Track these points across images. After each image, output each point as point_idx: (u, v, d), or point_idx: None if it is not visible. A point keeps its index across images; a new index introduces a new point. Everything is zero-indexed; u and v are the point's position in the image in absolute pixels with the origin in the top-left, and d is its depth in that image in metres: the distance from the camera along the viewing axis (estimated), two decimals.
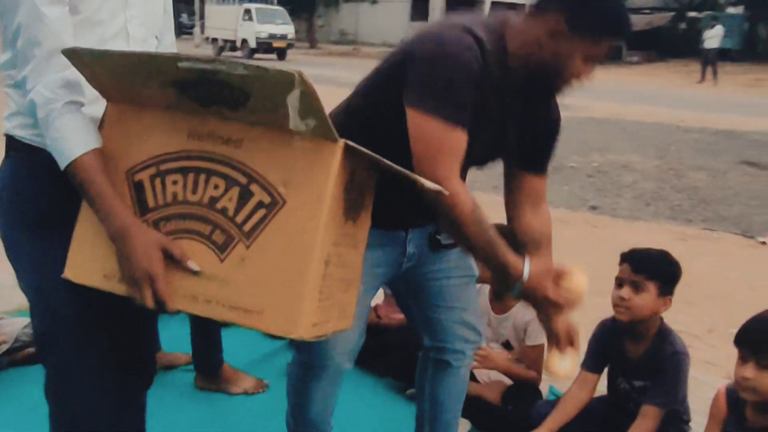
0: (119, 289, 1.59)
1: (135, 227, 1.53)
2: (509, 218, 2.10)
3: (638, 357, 2.48)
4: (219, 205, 1.53)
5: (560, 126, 2.03)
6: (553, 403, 2.68)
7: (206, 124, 1.55)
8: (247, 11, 29.44)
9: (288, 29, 29.40)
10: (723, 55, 24.06)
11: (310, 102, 1.38)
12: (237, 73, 1.40)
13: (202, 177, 1.55)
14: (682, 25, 32.71)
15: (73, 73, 1.55)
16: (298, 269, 1.48)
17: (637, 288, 2.41)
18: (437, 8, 39.11)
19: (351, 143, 1.47)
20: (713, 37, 22.59)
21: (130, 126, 1.60)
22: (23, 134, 1.67)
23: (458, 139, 1.74)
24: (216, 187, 1.53)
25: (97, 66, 1.53)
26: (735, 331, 2.13)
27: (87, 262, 1.63)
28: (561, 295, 1.85)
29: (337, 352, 2.07)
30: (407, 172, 1.58)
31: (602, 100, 14.51)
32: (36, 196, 1.70)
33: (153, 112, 1.59)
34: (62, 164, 1.55)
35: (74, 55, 1.51)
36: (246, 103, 1.47)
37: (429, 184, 1.63)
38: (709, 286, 4.48)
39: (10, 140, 1.69)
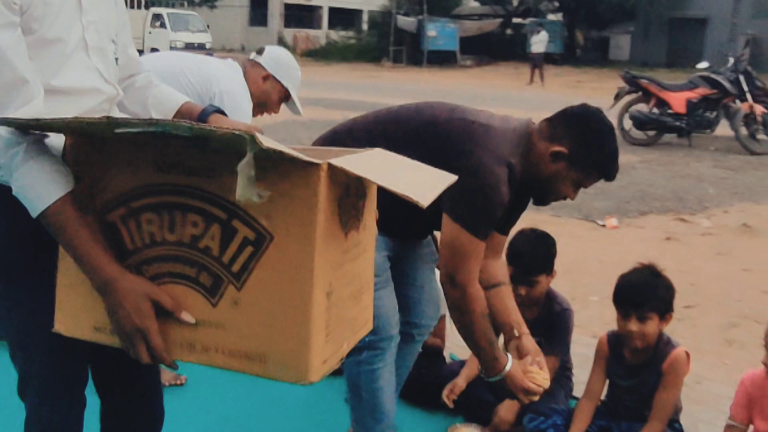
0: (112, 341, 1.49)
1: (120, 279, 1.41)
2: None
3: (533, 318, 2.89)
4: (201, 245, 1.40)
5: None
6: (460, 365, 3.08)
7: (170, 152, 1.40)
8: (157, 17, 26.47)
9: (206, 37, 26.62)
10: (547, 58, 25.82)
11: (267, 155, 1.23)
12: (182, 134, 1.29)
13: (177, 214, 1.41)
14: (509, 31, 34.72)
15: (35, 107, 1.43)
16: (298, 309, 1.35)
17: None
18: (275, 14, 39.22)
19: (334, 163, 1.31)
20: (539, 42, 24.14)
21: (92, 162, 1.46)
22: None
23: (482, 250, 2.17)
24: (195, 224, 1.40)
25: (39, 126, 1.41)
26: (596, 298, 2.57)
27: (75, 315, 1.52)
28: (531, 385, 2.26)
29: (392, 326, 2.37)
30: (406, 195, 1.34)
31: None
32: (6, 242, 1.58)
33: (114, 144, 1.43)
34: (33, 213, 1.43)
35: (12, 122, 1.38)
36: (205, 144, 1.35)
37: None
38: (565, 263, 5.07)
39: None
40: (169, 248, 1.42)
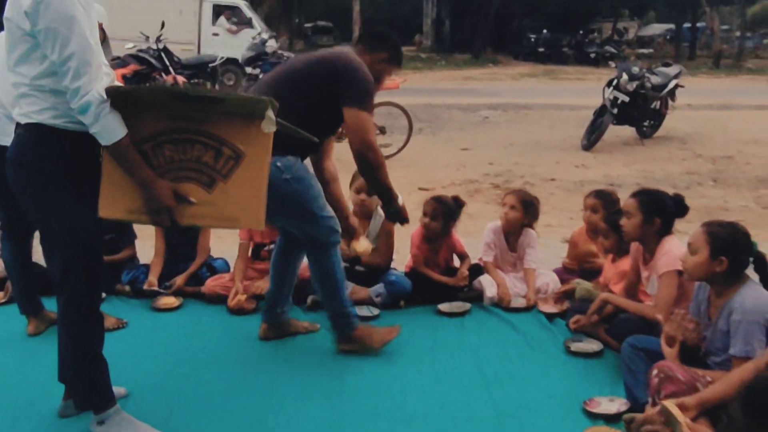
0: (140, 219, 2.65)
1: (156, 180, 2.55)
2: (316, 167, 3.65)
3: None
4: (203, 160, 2.61)
5: None
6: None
7: (181, 109, 2.56)
8: None
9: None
10: None
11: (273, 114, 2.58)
12: (202, 96, 2.61)
13: (187, 144, 2.59)
14: None
15: (105, 81, 2.42)
16: (258, 190, 2.64)
17: None
18: None
19: (279, 122, 2.61)
20: None
21: (129, 115, 2.48)
22: (55, 122, 2.49)
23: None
24: (198, 149, 2.60)
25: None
26: None
27: (113, 205, 2.59)
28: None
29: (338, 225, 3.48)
30: (305, 133, 2.99)
31: None
32: (60, 162, 2.52)
33: (141, 112, 2.53)
34: (108, 142, 2.44)
35: (118, 89, 2.47)
36: (219, 103, 2.57)
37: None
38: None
39: (39, 126, 2.49)
40: (182, 163, 2.61)
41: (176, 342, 3.75)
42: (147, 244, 4.67)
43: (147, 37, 11.99)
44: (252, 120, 2.58)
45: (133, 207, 2.59)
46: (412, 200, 6.10)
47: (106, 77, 2.41)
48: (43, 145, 2.51)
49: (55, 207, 2.55)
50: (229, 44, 18.01)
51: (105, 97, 2.37)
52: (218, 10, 19.30)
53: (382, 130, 8.83)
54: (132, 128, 2.47)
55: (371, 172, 3.32)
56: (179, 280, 4.33)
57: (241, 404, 3.10)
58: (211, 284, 4.30)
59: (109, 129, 2.41)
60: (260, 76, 11.32)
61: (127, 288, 4.36)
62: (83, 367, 2.72)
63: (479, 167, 8.99)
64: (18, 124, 2.57)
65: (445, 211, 4.37)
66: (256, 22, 19.39)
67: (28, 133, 2.52)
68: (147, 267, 4.44)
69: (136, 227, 4.56)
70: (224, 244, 4.86)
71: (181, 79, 11.83)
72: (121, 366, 3.13)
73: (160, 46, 11.93)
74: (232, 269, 4.44)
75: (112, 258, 4.40)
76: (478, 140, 11.08)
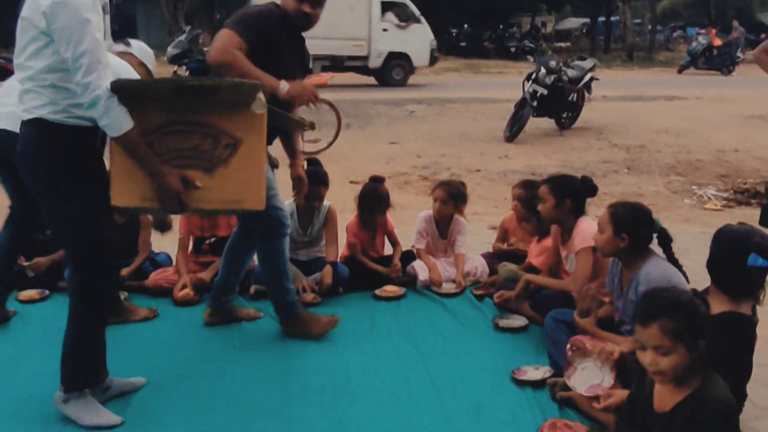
0: (151, 205, 2.87)
1: (164, 168, 2.81)
2: None
3: None
4: (203, 148, 2.89)
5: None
6: None
7: (181, 102, 2.84)
8: None
9: None
10: None
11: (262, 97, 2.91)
12: (200, 87, 2.86)
13: (188, 134, 2.86)
14: None
15: (110, 77, 2.65)
16: (258, 175, 2.96)
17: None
18: None
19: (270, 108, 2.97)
20: None
21: (134, 108, 2.69)
22: (55, 117, 2.69)
23: (235, 40, 3.34)
24: (198, 138, 2.87)
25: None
26: None
27: (126, 194, 2.84)
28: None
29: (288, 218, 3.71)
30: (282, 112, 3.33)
31: None
32: (65, 155, 2.73)
33: (144, 106, 2.77)
34: (116, 134, 2.67)
35: (125, 83, 2.72)
36: (215, 95, 2.83)
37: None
38: None
39: (40, 121, 2.69)
40: (183, 152, 2.87)
41: (127, 333, 3.86)
42: None
43: None
44: (245, 107, 2.86)
45: (145, 194, 2.83)
46: (344, 193, 6.34)
47: (109, 74, 2.65)
48: (44, 139, 2.72)
49: (60, 198, 2.77)
50: (397, 39, 19.14)
51: (110, 92, 2.60)
52: (386, 7, 19.50)
53: (312, 126, 8.95)
54: (137, 120, 2.69)
55: (229, 68, 3.31)
56: (124, 271, 4.46)
57: (191, 389, 3.26)
58: (156, 277, 4.43)
59: (117, 121, 2.64)
60: (186, 74, 11.36)
61: None
62: (80, 343, 2.93)
63: (408, 160, 9.27)
64: (22, 121, 2.77)
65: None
66: (421, 17, 19.82)
67: (31, 127, 2.73)
68: None
69: None
70: (164, 239, 4.98)
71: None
72: None
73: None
74: (174, 263, 4.57)
75: (48, 258, 4.48)
76: (405, 134, 11.36)
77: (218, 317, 3.97)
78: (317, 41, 13.76)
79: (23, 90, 2.74)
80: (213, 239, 4.59)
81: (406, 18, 19.66)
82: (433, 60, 20.27)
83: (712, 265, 2.78)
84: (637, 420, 2.42)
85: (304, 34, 3.70)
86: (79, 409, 2.93)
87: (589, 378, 2.94)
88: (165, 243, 4.85)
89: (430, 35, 19.86)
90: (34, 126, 2.72)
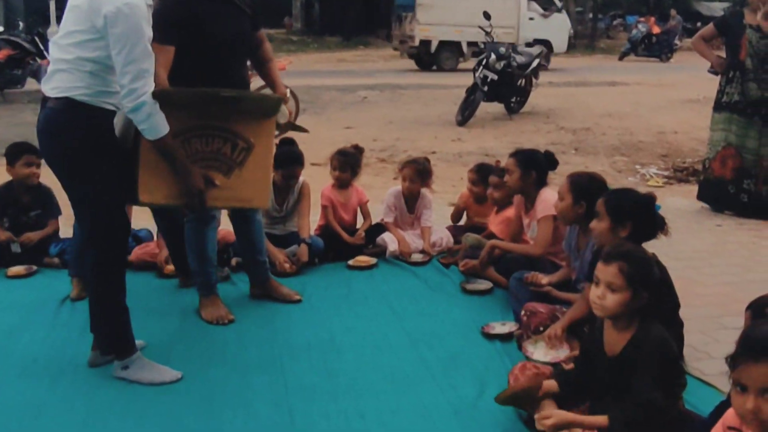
0: (176, 202, 3.19)
1: (192, 168, 3.11)
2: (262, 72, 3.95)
3: None
4: (222, 151, 3.24)
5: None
6: None
7: (207, 109, 3.17)
8: None
9: None
10: None
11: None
12: (226, 97, 3.21)
13: (210, 138, 3.20)
14: None
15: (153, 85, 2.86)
16: (266, 176, 3.38)
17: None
18: None
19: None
20: None
21: (169, 120, 2.93)
22: (84, 99, 2.87)
23: (163, 53, 3.23)
24: (218, 143, 3.22)
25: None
26: None
27: (153, 191, 3.11)
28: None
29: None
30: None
31: None
32: (86, 132, 2.88)
33: (178, 111, 3.04)
34: (153, 137, 2.91)
35: (175, 92, 3.16)
36: (237, 106, 3.22)
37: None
38: None
39: (69, 100, 2.85)
40: (206, 154, 3.22)
41: None
42: (70, 222, 4.91)
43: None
44: (263, 117, 3.28)
45: (170, 193, 3.11)
46: (306, 174, 6.58)
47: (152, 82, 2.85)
48: (71, 117, 2.86)
49: (80, 173, 2.92)
50: (540, 27, 20.90)
51: (154, 99, 2.83)
52: None
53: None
54: (170, 124, 2.92)
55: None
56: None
57: (187, 349, 3.51)
58: (138, 252, 4.63)
59: (156, 126, 2.89)
60: None
61: (56, 260, 4.61)
62: (108, 316, 3.13)
63: (364, 144, 9.30)
64: (47, 98, 2.90)
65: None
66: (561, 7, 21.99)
67: (59, 105, 2.87)
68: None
69: (61, 204, 4.81)
70: (145, 214, 5.17)
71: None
72: (67, 331, 3.58)
73: (34, 31, 11.77)
74: (155, 238, 4.77)
75: (40, 233, 4.64)
76: (360, 119, 11.63)
77: (259, 291, 4.18)
78: (470, 29, 15.94)
79: (56, 69, 2.88)
80: None
81: (548, 7, 21.56)
82: (570, 46, 22.85)
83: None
84: (591, 364, 2.69)
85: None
86: (141, 371, 3.14)
87: (547, 353, 3.19)
88: (145, 219, 5.04)
89: (569, 23, 22.30)
90: (62, 103, 2.86)
